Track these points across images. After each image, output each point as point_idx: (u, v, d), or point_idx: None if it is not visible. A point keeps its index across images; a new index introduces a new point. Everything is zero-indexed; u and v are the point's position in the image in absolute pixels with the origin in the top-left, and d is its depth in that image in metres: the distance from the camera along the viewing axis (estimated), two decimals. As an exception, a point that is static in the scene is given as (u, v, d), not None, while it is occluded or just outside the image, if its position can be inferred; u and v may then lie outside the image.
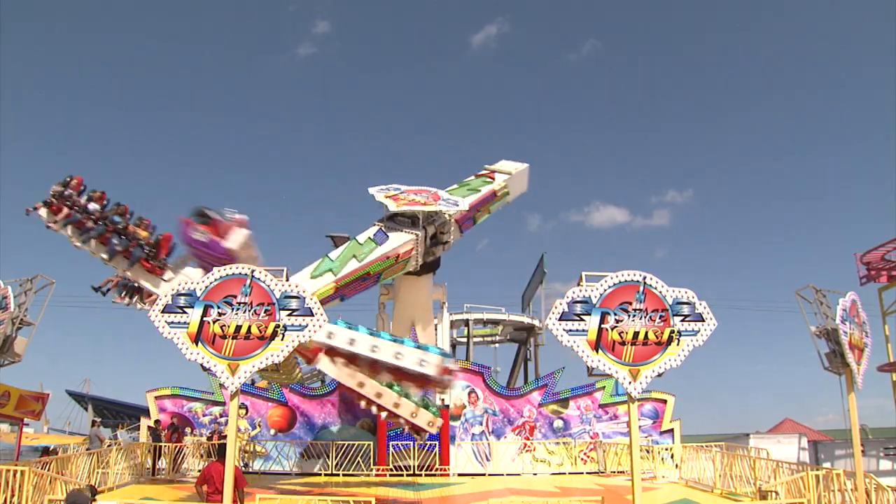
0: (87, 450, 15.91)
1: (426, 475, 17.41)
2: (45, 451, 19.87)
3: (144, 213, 14.30)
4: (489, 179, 19.52)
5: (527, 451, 19.91)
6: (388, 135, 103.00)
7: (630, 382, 9.02)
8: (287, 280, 9.28)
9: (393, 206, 16.39)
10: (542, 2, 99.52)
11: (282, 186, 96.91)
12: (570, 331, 9.10)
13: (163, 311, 8.88)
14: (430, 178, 17.93)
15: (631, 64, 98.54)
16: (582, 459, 19.66)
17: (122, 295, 15.33)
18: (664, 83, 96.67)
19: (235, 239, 13.13)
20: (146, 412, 20.86)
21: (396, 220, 16.72)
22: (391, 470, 17.77)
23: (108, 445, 16.73)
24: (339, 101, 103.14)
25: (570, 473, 19.10)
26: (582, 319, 9.13)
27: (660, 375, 9.18)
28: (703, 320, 9.27)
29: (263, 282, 9.03)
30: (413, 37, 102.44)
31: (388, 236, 16.31)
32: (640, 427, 17.64)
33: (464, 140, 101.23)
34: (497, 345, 32.41)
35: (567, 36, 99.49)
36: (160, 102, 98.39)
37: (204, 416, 20.16)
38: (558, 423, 20.59)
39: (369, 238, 16.10)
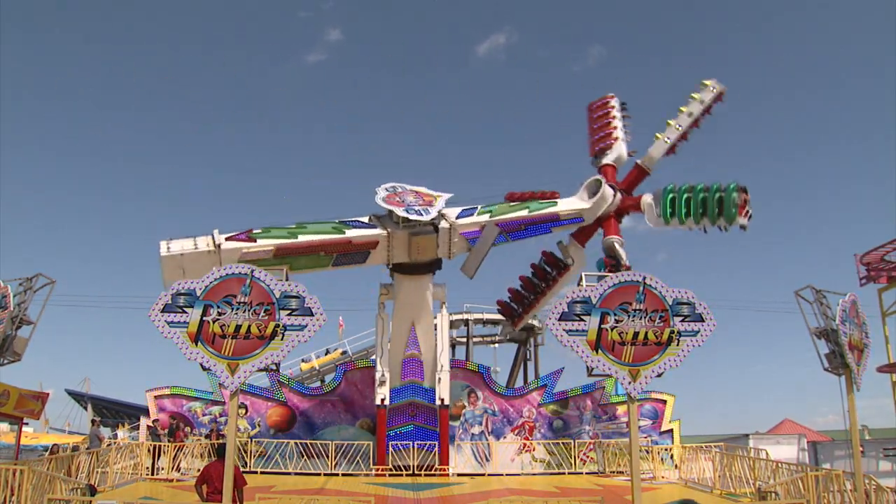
0: (87, 449, 15.92)
1: (425, 475, 17.39)
2: (53, 449, 19.79)
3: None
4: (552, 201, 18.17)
5: (526, 451, 19.92)
6: (395, 139, 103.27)
7: (630, 383, 9.02)
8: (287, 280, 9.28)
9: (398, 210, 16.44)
10: (547, 10, 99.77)
11: (285, 188, 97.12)
12: (570, 331, 9.09)
13: (162, 311, 8.83)
14: (435, 182, 17.79)
15: (633, 66, 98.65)
16: (581, 460, 19.65)
17: None
18: (666, 86, 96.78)
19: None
20: (146, 412, 20.84)
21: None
22: (390, 470, 17.76)
23: (108, 445, 16.73)
24: (346, 105, 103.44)
25: (569, 474, 19.08)
26: (582, 320, 9.12)
27: (659, 376, 9.18)
28: (703, 321, 9.26)
29: (263, 281, 9.01)
30: (421, 45, 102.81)
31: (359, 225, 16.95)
32: (639, 427, 17.68)
33: (468, 144, 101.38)
34: (497, 345, 32.37)
35: (572, 42, 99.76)
36: (163, 104, 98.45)
37: (203, 415, 20.15)
38: (558, 424, 20.60)
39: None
